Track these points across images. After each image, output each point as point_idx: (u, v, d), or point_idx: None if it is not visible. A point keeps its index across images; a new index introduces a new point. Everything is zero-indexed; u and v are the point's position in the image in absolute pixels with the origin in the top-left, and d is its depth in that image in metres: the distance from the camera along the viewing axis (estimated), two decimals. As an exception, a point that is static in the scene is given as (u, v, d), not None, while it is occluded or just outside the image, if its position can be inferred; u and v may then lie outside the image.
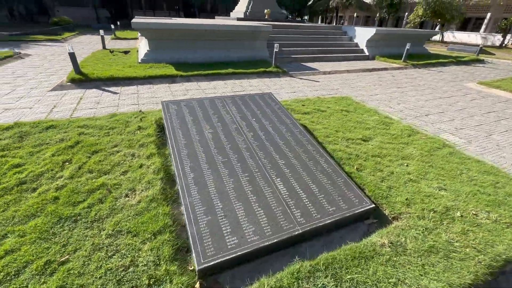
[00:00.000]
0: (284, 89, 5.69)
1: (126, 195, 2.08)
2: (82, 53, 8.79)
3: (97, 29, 19.13)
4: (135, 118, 3.30)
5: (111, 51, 8.50)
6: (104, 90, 4.92)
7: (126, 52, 8.61)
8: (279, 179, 2.16)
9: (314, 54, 9.09)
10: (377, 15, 29.23)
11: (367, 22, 38.93)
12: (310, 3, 33.31)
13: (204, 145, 2.41)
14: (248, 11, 12.05)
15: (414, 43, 10.98)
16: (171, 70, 6.04)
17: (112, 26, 14.88)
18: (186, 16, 31.33)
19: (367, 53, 9.78)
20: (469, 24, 27.37)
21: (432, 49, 15.48)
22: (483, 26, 24.80)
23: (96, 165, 2.39)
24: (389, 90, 6.14)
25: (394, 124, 3.82)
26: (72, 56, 5.00)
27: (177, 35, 6.81)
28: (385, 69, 8.28)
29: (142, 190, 2.12)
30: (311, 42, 9.83)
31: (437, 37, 24.95)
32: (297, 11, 33.91)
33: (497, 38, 22.39)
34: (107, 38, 13.94)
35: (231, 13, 13.91)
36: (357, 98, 5.30)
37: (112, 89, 5.03)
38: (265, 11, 11.99)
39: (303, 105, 4.25)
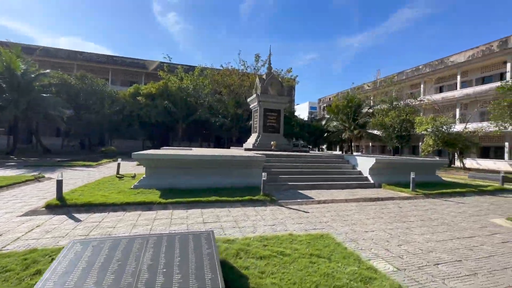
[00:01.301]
0: (264, 221, 5.11)
1: None
2: (96, 177, 9.63)
3: (135, 156, 22.45)
4: (48, 257, 2.85)
5: (119, 176, 9.20)
6: (70, 217, 4.80)
7: (133, 177, 9.27)
8: None
9: (314, 182, 8.90)
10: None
11: (383, 151, 40.98)
12: (325, 135, 37.36)
13: (60, 314, 1.76)
14: (257, 143, 13.40)
15: (424, 171, 10.55)
16: (153, 197, 6.02)
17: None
18: (216, 146, 36.09)
19: (372, 181, 9.38)
20: (489, 151, 27.25)
21: (452, 176, 14.71)
22: (506, 154, 24.32)
23: None
24: (390, 225, 5.21)
25: (378, 281, 2.81)
26: (59, 183, 5.32)
27: (170, 164, 7.32)
28: (391, 198, 7.54)
29: None
30: (312, 170, 9.93)
31: (459, 164, 24.46)
32: (313, 142, 37.54)
33: (527, 166, 21.27)
34: (134, 164, 15.79)
35: (244, 144, 15.61)
36: (346, 235, 4.44)
37: (80, 215, 4.90)
38: (272, 142, 13.24)
39: (265, 245, 3.53)
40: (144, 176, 7.34)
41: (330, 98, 51.41)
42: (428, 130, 22.28)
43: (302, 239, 3.87)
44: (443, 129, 21.28)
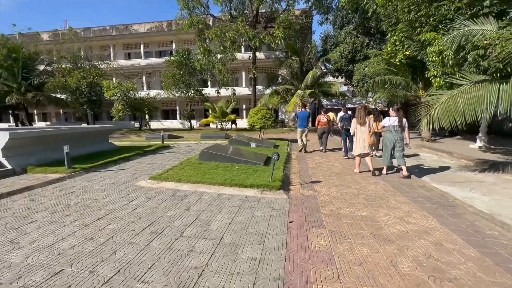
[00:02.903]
0: None
1: None
2: None
3: None
4: None
5: None
6: None
7: None
8: None
9: None
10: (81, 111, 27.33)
11: (81, 119, 35.89)
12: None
13: None
14: None
15: (95, 140, 9.47)
16: None
17: None
18: None
19: (9, 167, 6.41)
20: (169, 113, 34.00)
21: (131, 140, 15.50)
22: (177, 115, 31.70)
23: None
24: (-23, 247, 3.13)
25: None
26: None
27: None
28: (28, 188, 5.38)
29: None
30: None
31: (148, 126, 27.75)
32: None
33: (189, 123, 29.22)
34: None
35: None
36: None
37: None
38: None
39: None
40: None
41: (-19, 43, 33.60)
42: (118, 95, 22.09)
43: None
44: (130, 95, 22.14)
